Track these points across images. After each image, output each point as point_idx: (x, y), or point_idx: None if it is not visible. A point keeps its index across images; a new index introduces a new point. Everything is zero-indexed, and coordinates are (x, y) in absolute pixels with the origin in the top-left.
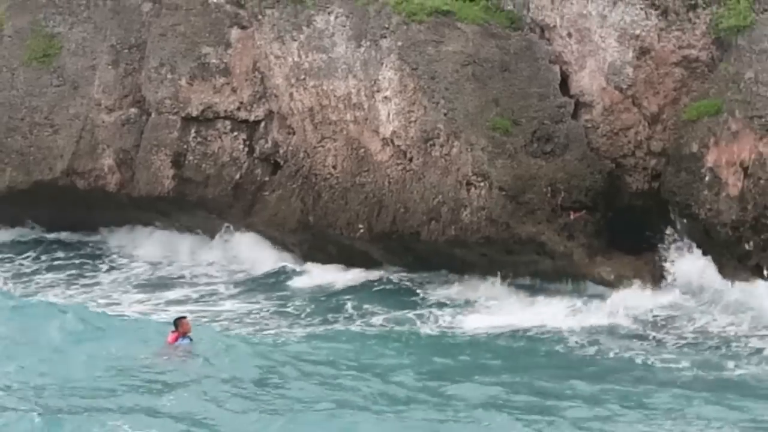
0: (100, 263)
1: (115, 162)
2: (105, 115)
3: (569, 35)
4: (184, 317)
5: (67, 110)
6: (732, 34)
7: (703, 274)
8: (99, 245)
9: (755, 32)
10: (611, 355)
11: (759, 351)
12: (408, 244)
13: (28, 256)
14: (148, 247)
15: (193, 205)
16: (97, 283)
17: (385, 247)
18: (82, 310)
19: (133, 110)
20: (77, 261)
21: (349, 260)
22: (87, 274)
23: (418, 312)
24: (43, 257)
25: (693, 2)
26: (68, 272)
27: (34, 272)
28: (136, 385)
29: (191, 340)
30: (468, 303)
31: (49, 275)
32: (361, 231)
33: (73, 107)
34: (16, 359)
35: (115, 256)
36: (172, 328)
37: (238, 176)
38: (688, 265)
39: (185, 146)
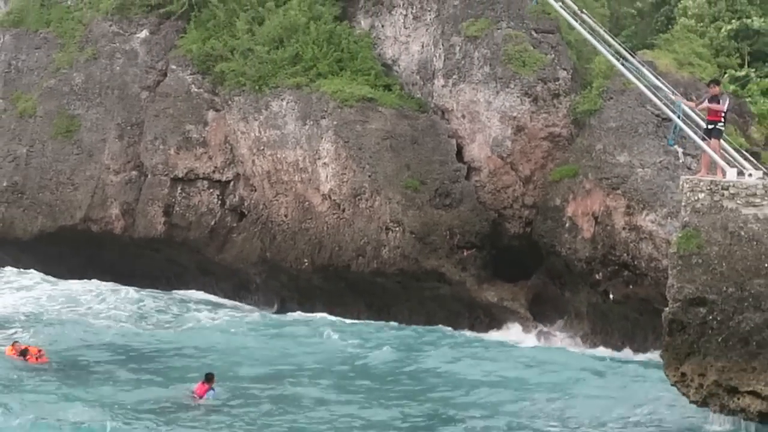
0: None
1: (120, 211)
2: (113, 176)
3: (463, 116)
4: (213, 374)
5: (84, 172)
6: (586, 116)
7: None
8: None
9: (603, 114)
10: None
11: None
12: (341, 274)
13: None
14: None
15: (179, 244)
16: None
17: (324, 277)
18: None
19: (134, 172)
20: None
21: (296, 286)
22: None
23: None
24: None
25: (556, 92)
26: None
27: None
28: None
29: (214, 390)
30: None
31: None
32: (306, 264)
33: (88, 170)
34: None
35: None
36: (202, 379)
37: (213, 222)
38: None
39: (173, 200)
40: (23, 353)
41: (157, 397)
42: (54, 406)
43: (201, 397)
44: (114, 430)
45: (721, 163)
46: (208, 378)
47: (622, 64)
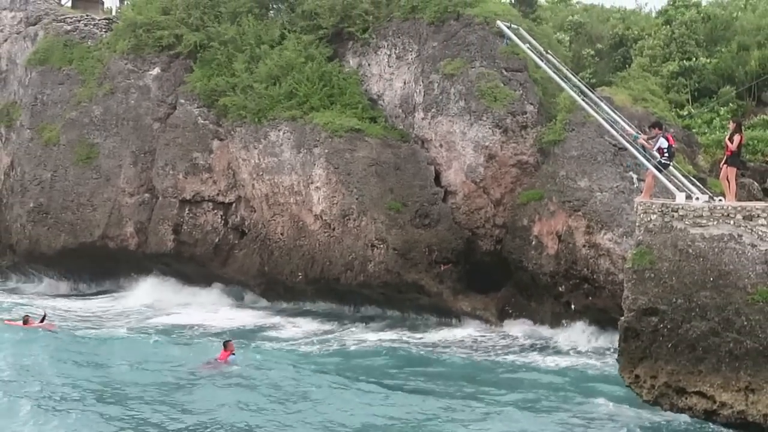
0: None
1: (134, 230)
2: (128, 198)
3: (441, 146)
4: (230, 340)
5: (102, 195)
6: (551, 146)
7: None
8: None
9: (566, 144)
10: None
11: None
12: (331, 286)
13: None
14: None
15: (187, 259)
16: None
17: (316, 288)
18: None
19: (146, 195)
20: None
21: (291, 296)
22: None
23: None
24: None
25: (524, 124)
26: None
27: None
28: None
29: (234, 355)
30: None
31: None
32: (300, 277)
33: (106, 193)
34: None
35: None
36: (222, 348)
37: (217, 240)
38: None
39: (181, 219)
40: (24, 321)
41: None
42: None
43: (224, 362)
44: None
45: (671, 187)
46: (225, 345)
47: (583, 100)
